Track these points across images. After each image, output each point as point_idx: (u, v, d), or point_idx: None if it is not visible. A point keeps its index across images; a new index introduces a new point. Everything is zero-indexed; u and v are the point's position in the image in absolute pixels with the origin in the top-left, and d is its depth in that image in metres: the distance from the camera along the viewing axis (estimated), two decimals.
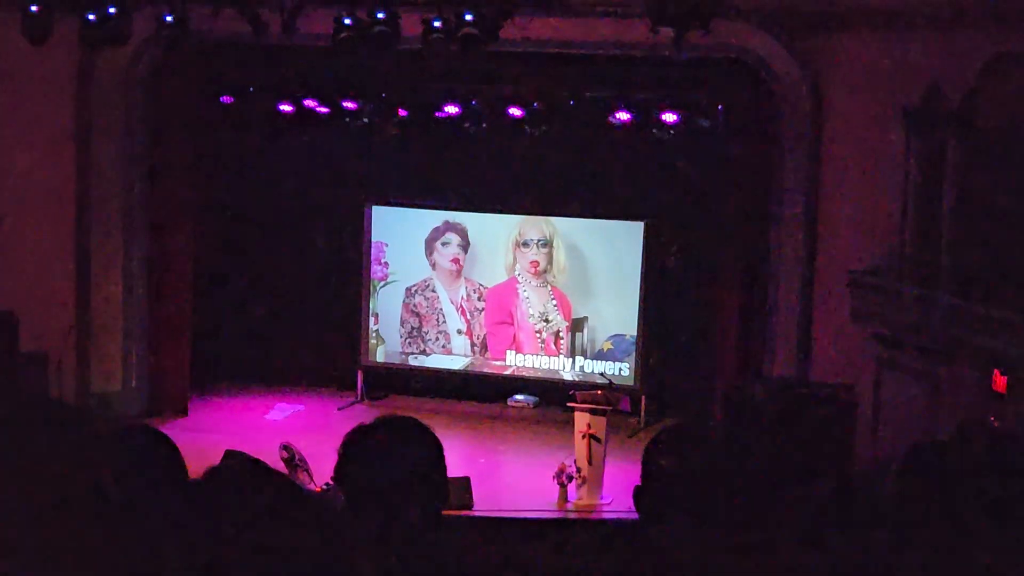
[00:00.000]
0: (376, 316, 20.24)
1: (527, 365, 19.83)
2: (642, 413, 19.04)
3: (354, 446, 3.43)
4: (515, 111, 18.70)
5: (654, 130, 18.41)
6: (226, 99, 19.56)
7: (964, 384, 14.73)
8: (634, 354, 19.25)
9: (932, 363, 15.29)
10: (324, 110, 19.47)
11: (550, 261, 19.66)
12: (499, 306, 19.95)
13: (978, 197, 14.81)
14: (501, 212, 19.84)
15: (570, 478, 15.62)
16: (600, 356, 19.43)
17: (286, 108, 19.54)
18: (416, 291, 20.19)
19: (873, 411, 16.03)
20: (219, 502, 2.70)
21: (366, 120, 19.24)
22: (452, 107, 18.92)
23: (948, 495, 3.81)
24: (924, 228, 15.51)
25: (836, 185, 16.84)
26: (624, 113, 18.42)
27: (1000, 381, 14.02)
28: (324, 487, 12.91)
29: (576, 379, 18.98)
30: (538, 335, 19.74)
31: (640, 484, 3.57)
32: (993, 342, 13.75)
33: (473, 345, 20.09)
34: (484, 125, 18.87)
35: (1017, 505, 4.82)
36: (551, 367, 19.70)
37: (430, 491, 3.44)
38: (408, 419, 3.56)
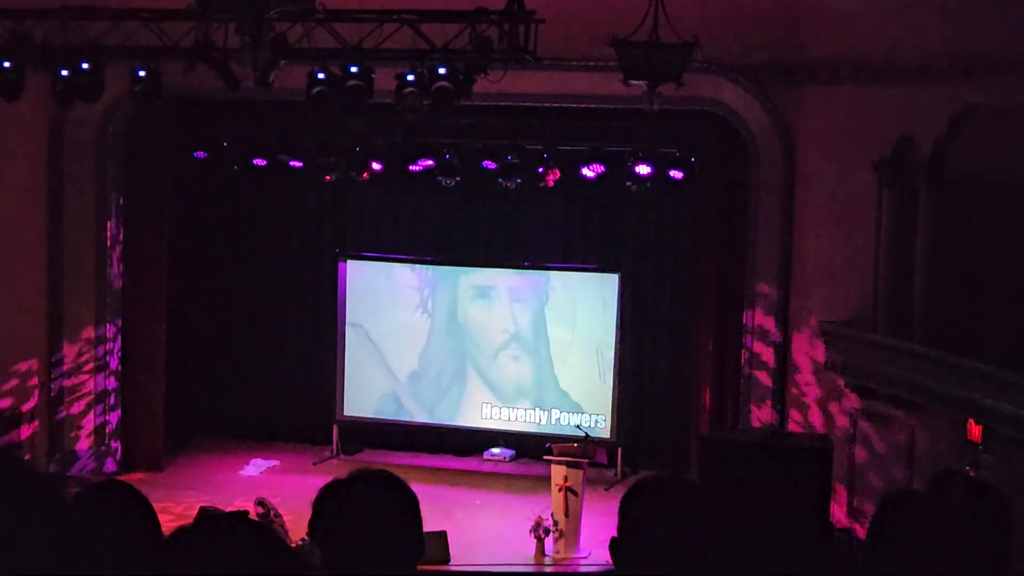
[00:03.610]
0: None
1: (502, 418, 19.78)
2: (619, 465, 19.01)
3: (329, 501, 3.41)
4: (489, 164, 18.76)
5: (628, 182, 18.48)
6: (199, 154, 19.57)
7: (939, 433, 14.76)
8: (611, 407, 19.22)
9: (907, 413, 15.32)
10: (297, 164, 19.49)
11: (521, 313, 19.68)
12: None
13: (950, 247, 14.89)
14: (475, 265, 19.84)
15: (547, 531, 15.56)
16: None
17: (260, 163, 19.56)
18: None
19: (848, 461, 16.05)
20: (197, 557, 2.68)
21: (339, 174, 19.26)
22: (426, 160, 18.96)
23: (924, 545, 3.81)
24: (897, 278, 15.57)
25: (809, 235, 16.92)
26: (598, 165, 18.50)
27: (975, 430, 14.05)
28: (300, 542, 12.83)
29: (552, 432, 18.95)
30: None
31: (616, 536, 3.56)
32: (967, 392, 13.79)
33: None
34: (458, 178, 18.91)
35: (994, 554, 4.82)
36: (527, 420, 19.65)
37: (406, 545, 3.42)
38: (383, 473, 3.54)
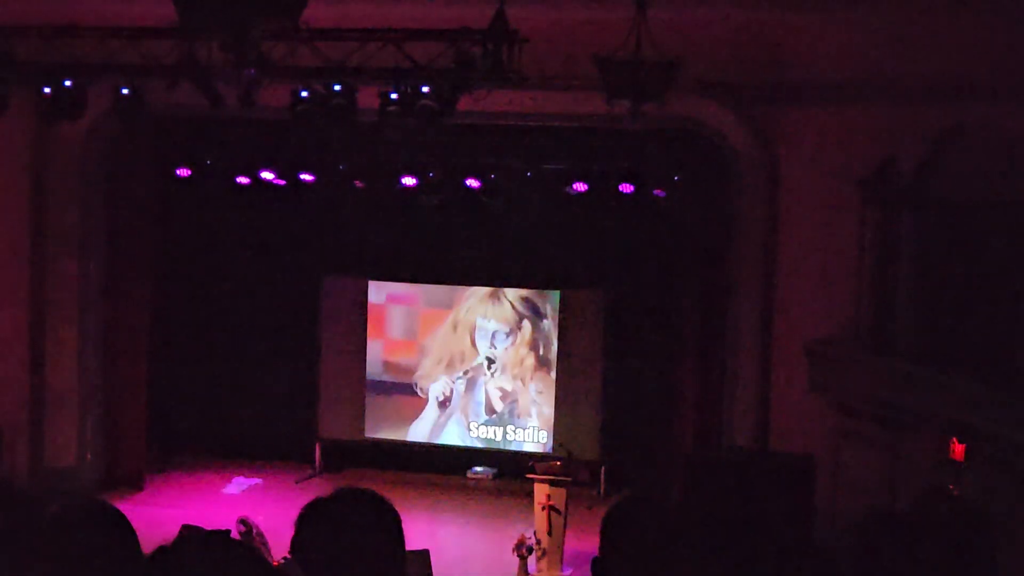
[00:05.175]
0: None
1: (485, 436, 19.77)
2: (602, 484, 19.00)
3: (311, 519, 3.40)
4: (472, 182, 18.77)
5: (611, 201, 18.50)
6: (183, 172, 19.54)
7: (922, 453, 14.78)
8: (598, 425, 19.24)
9: (890, 432, 15.34)
10: (281, 182, 19.48)
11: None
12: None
13: (933, 267, 14.93)
14: (459, 283, 19.85)
15: (530, 550, 15.54)
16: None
17: (243, 180, 19.55)
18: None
19: (832, 480, 16.04)
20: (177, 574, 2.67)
21: (323, 192, 19.25)
22: (409, 179, 18.96)
23: (906, 565, 3.81)
24: (880, 298, 15.61)
25: (792, 255, 16.94)
26: (581, 184, 18.53)
27: (958, 449, 14.07)
28: (282, 560, 12.77)
29: (535, 450, 18.94)
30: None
31: (598, 555, 3.55)
32: (951, 410, 13.81)
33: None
34: (441, 196, 18.90)
35: (977, 574, 4.82)
36: (509, 438, 19.64)
37: (388, 564, 3.41)
38: (366, 491, 3.53)
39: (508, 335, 19.71)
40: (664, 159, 18.38)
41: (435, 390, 19.99)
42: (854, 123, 15.88)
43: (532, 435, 19.54)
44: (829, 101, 16.20)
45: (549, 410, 19.51)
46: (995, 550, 5.18)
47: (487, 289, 19.77)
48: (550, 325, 19.56)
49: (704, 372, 18.09)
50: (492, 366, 19.77)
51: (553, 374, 19.57)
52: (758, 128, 17.00)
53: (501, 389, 19.72)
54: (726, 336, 17.69)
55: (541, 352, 19.60)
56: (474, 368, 19.82)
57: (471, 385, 19.85)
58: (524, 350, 19.68)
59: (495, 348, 19.76)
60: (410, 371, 20.07)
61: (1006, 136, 13.92)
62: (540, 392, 19.57)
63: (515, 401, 19.67)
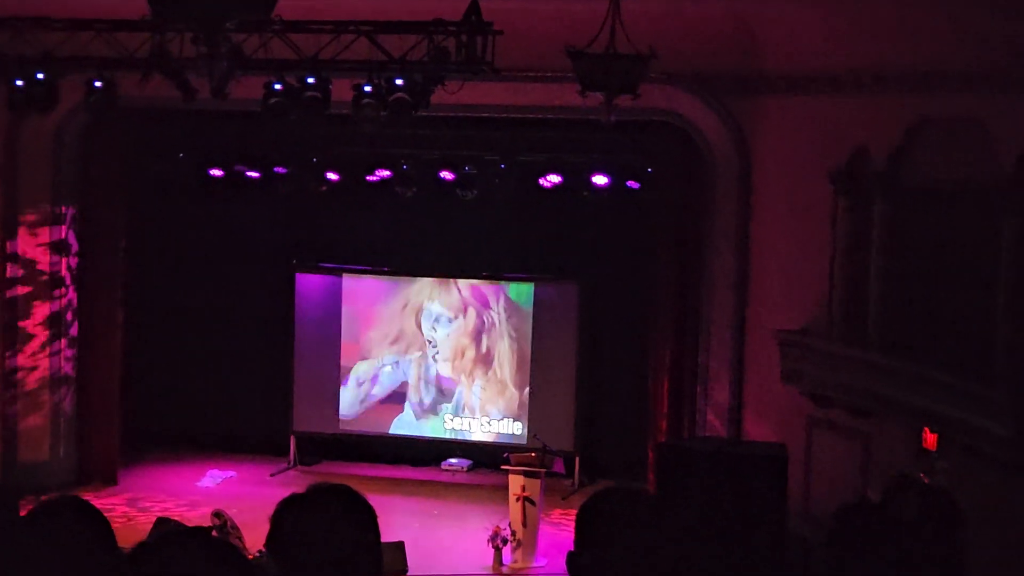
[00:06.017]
0: None
1: (460, 428, 19.79)
2: (576, 475, 19.03)
3: (286, 515, 3.40)
4: (446, 174, 18.78)
5: (585, 192, 18.53)
6: (156, 165, 19.48)
7: (894, 441, 14.86)
8: (572, 415, 19.27)
9: (862, 421, 15.42)
10: (254, 175, 19.44)
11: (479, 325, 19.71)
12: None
13: (904, 256, 15.00)
14: (432, 275, 19.84)
15: (505, 541, 15.57)
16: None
17: (216, 173, 19.50)
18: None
19: (804, 469, 16.12)
20: (154, 572, 2.68)
21: (297, 185, 19.22)
22: (383, 171, 18.94)
23: (878, 553, 3.84)
24: (852, 287, 15.68)
25: (765, 245, 17.00)
26: (555, 176, 18.55)
27: (930, 438, 14.16)
28: (256, 554, 12.78)
29: (509, 442, 18.97)
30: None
31: (573, 549, 3.57)
32: (922, 400, 13.88)
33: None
34: (415, 189, 18.89)
35: (947, 561, 4.86)
36: (484, 429, 19.66)
37: (363, 558, 3.42)
38: (340, 487, 3.54)
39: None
40: (638, 151, 18.41)
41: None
42: (826, 113, 15.93)
43: (508, 426, 19.56)
44: (802, 91, 16.25)
45: (523, 401, 19.51)
46: (965, 537, 5.23)
47: (461, 279, 19.75)
48: (523, 315, 19.55)
49: (678, 363, 18.12)
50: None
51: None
52: (731, 119, 17.05)
53: (475, 379, 19.73)
54: (700, 327, 17.74)
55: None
56: (449, 357, 19.82)
57: (445, 375, 19.86)
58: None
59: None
60: (384, 363, 20.06)
61: (977, 125, 13.98)
62: (513, 382, 19.57)
63: (489, 392, 19.67)
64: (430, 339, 19.88)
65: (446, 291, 19.80)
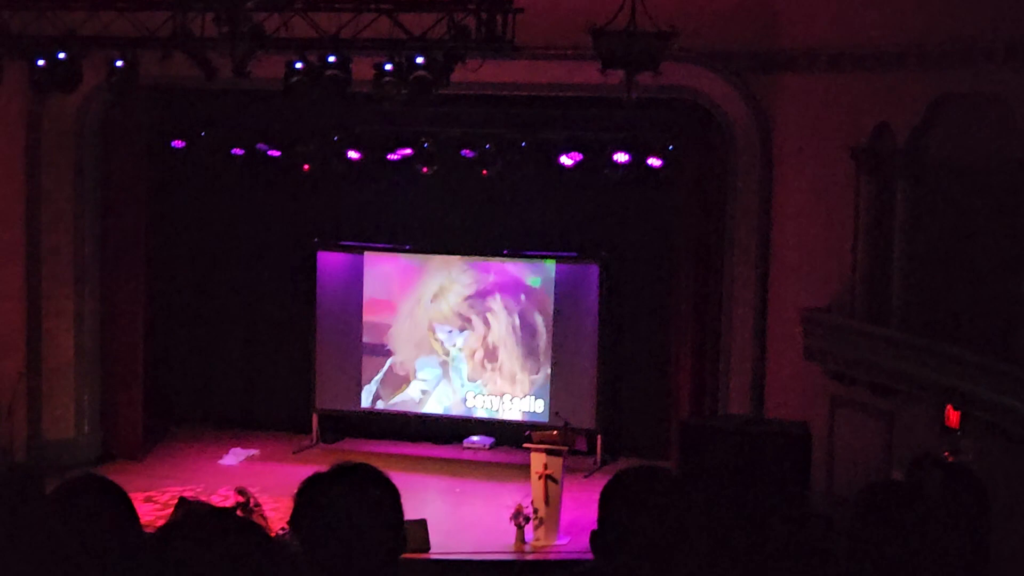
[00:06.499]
0: None
1: (482, 405, 19.81)
2: (598, 453, 19.04)
3: (310, 494, 3.41)
4: (467, 153, 18.76)
5: (605, 170, 18.49)
6: (177, 143, 19.54)
7: (917, 419, 14.83)
8: (594, 394, 19.26)
9: (885, 400, 15.38)
10: (276, 153, 19.46)
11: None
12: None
13: (927, 234, 14.95)
14: (453, 253, 19.83)
15: (527, 519, 15.60)
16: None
17: (238, 152, 19.53)
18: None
19: (827, 447, 16.10)
20: (186, 557, 2.69)
21: (318, 164, 19.24)
22: (404, 149, 18.95)
23: (902, 532, 3.83)
24: (875, 265, 15.63)
25: (787, 223, 16.95)
26: (576, 154, 18.52)
27: (953, 416, 14.12)
28: (280, 532, 12.83)
29: (532, 420, 18.99)
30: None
31: (596, 528, 3.57)
32: (946, 378, 13.84)
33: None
34: (436, 167, 18.88)
35: (972, 539, 4.85)
36: (507, 407, 19.67)
37: (387, 536, 3.43)
38: (363, 466, 3.54)
39: (503, 302, 19.71)
40: (659, 128, 18.37)
41: (429, 358, 20.02)
42: (848, 90, 15.86)
43: (531, 404, 19.57)
44: (823, 68, 16.19)
45: (545, 378, 19.51)
46: (989, 515, 5.22)
47: (482, 257, 19.74)
48: (545, 293, 19.52)
49: (700, 340, 18.12)
50: (488, 334, 19.82)
51: (545, 341, 19.57)
52: (753, 96, 17.00)
53: (497, 357, 19.74)
54: (722, 305, 17.72)
55: (537, 320, 19.57)
56: (471, 335, 19.85)
57: (468, 353, 19.88)
58: (520, 318, 19.69)
59: (491, 316, 19.79)
60: (406, 341, 20.09)
61: (999, 100, 13.91)
62: (536, 360, 19.57)
63: (511, 369, 19.68)
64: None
65: (473, 270, 19.76)
